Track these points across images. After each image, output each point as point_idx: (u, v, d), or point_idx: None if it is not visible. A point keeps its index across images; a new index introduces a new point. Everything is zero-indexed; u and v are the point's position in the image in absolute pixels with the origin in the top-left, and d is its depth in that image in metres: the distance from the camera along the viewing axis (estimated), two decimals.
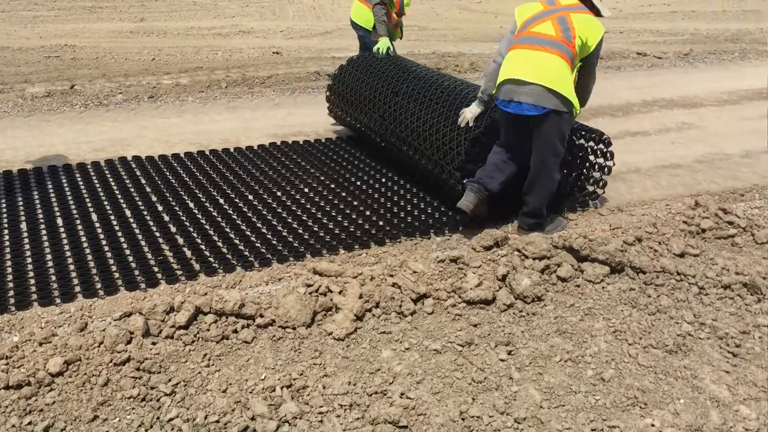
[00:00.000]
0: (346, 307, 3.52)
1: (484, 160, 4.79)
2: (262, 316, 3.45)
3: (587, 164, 5.36)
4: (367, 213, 5.05)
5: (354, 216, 4.99)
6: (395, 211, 5.10)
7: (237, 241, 4.54)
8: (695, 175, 6.00)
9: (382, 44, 6.72)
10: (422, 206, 5.19)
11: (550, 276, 3.90)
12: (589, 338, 3.39)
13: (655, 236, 4.25)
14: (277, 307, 3.48)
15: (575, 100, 4.42)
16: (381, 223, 4.89)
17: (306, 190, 5.47)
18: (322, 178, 5.73)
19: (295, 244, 4.50)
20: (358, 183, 5.63)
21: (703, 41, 12.96)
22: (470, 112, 4.87)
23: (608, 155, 5.23)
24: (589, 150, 5.31)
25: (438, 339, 3.39)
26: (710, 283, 3.82)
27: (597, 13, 4.56)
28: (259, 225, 4.78)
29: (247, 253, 4.37)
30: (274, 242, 4.52)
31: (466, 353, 3.28)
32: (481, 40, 13.22)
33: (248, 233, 4.66)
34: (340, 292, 3.63)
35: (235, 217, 4.91)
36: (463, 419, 2.84)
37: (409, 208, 5.14)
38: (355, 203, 5.21)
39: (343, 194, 5.39)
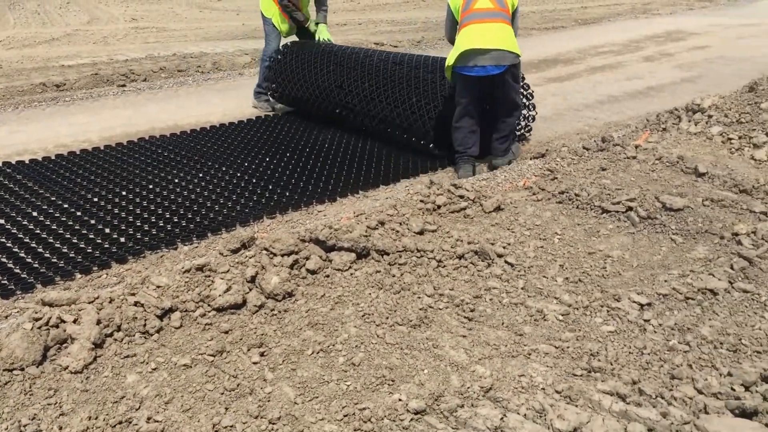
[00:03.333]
0: (82, 336, 3.24)
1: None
2: None
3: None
4: (106, 231, 4.71)
5: (91, 236, 4.62)
6: (138, 224, 4.81)
7: None
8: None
9: (323, 33, 7.58)
10: (167, 216, 4.95)
11: (299, 270, 3.91)
12: (339, 326, 3.45)
13: (396, 218, 4.46)
14: (0, 348, 3.11)
15: (519, 51, 5.76)
16: (122, 239, 4.58)
17: (34, 213, 4.96)
18: (53, 198, 5.23)
19: (22, 275, 4.06)
20: (95, 199, 5.23)
21: (434, 28, 13.91)
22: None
23: (530, 107, 6.72)
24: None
25: (187, 353, 3.24)
26: (447, 255, 4.08)
27: None
28: None
29: None
30: None
31: (218, 362, 3.18)
32: (224, 38, 13.01)
33: None
34: (74, 321, 3.33)
35: None
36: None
37: (153, 220, 4.88)
38: (92, 222, 4.83)
39: (78, 213, 4.97)
